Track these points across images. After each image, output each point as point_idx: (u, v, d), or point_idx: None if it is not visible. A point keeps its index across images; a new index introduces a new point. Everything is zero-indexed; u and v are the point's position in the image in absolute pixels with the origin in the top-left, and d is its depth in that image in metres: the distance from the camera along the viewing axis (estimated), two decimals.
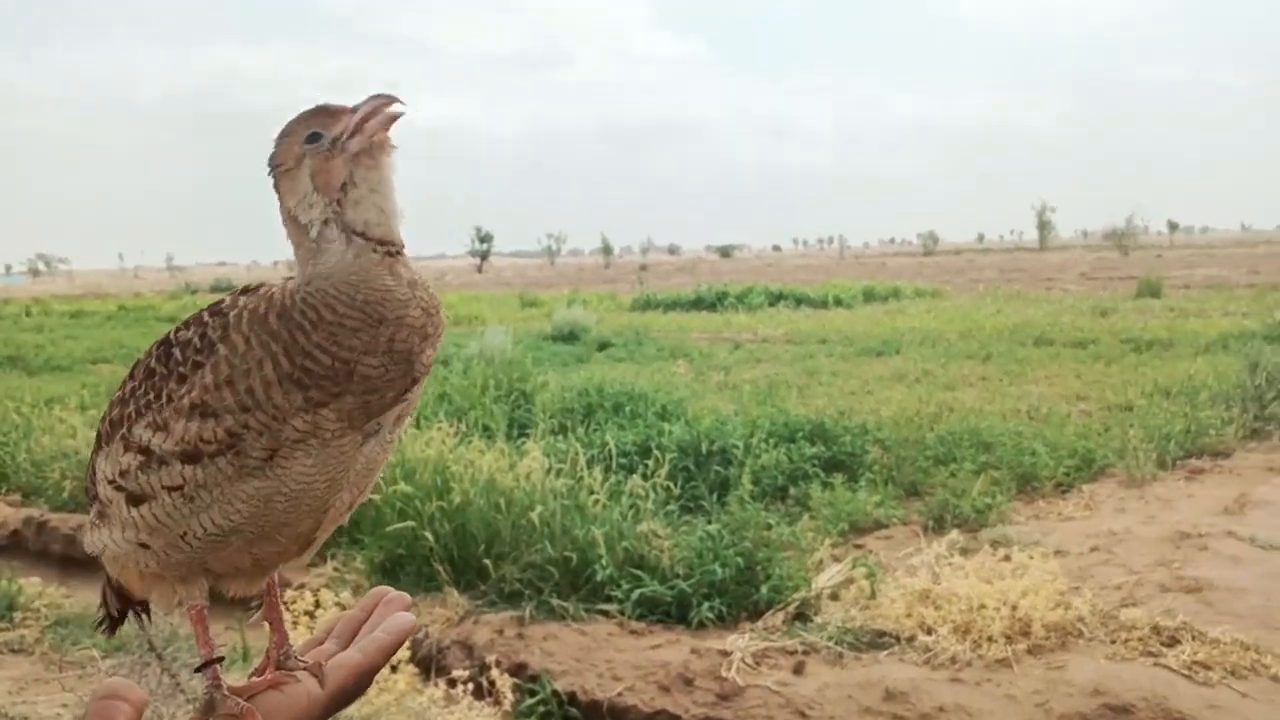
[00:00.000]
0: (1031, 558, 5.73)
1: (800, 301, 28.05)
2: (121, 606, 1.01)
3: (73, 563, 7.31)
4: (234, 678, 0.89)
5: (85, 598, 6.64)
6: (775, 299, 28.77)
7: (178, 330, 0.86)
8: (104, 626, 1.04)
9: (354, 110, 0.83)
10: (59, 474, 8.61)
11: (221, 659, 0.88)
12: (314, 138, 0.83)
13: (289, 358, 0.78)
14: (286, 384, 0.78)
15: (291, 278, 0.84)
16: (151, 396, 0.84)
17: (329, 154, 0.82)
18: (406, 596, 0.98)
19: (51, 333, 26.14)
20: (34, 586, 6.60)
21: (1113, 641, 4.99)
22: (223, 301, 0.85)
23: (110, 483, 0.87)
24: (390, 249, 0.82)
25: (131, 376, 0.89)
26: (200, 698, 0.84)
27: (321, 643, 0.95)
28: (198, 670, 0.88)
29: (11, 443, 9.56)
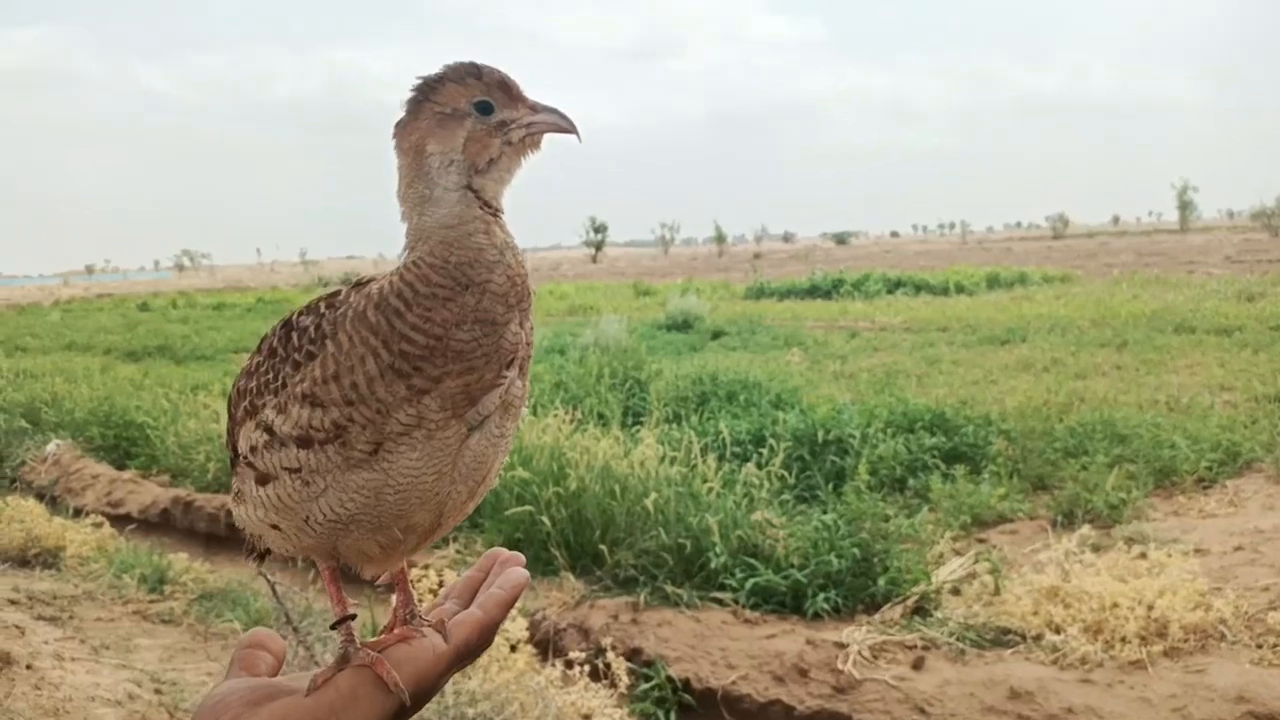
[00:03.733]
0: (1170, 556, 5.45)
1: (920, 288, 27.25)
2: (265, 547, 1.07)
3: (216, 540, 7.77)
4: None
5: (229, 574, 7.05)
6: (893, 286, 28.03)
7: (299, 314, 0.91)
8: (253, 555, 1.10)
9: (533, 108, 0.89)
10: (204, 456, 9.16)
11: (354, 615, 0.93)
12: (485, 107, 0.88)
13: (388, 348, 0.82)
14: (389, 375, 0.82)
15: (397, 270, 0.87)
16: (271, 376, 0.90)
17: (492, 130, 0.88)
18: (520, 555, 1.01)
19: (196, 324, 27.76)
20: (181, 562, 7.05)
21: (1259, 646, 4.71)
22: (338, 294, 0.90)
23: (243, 458, 0.93)
24: (491, 210, 0.88)
25: (258, 350, 0.94)
26: (336, 651, 0.89)
27: (443, 605, 0.98)
28: (333, 627, 0.95)
29: (161, 427, 10.22)
